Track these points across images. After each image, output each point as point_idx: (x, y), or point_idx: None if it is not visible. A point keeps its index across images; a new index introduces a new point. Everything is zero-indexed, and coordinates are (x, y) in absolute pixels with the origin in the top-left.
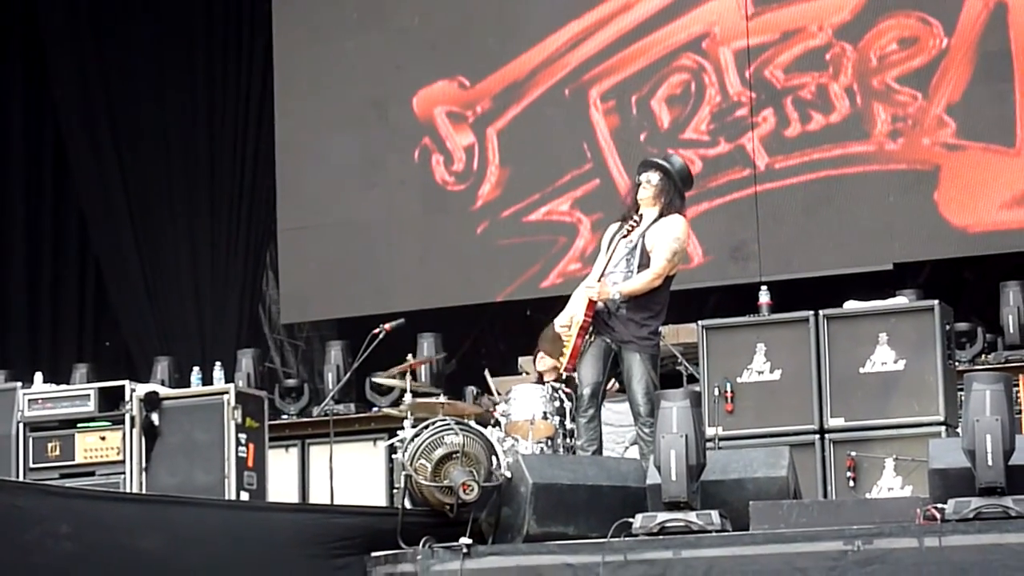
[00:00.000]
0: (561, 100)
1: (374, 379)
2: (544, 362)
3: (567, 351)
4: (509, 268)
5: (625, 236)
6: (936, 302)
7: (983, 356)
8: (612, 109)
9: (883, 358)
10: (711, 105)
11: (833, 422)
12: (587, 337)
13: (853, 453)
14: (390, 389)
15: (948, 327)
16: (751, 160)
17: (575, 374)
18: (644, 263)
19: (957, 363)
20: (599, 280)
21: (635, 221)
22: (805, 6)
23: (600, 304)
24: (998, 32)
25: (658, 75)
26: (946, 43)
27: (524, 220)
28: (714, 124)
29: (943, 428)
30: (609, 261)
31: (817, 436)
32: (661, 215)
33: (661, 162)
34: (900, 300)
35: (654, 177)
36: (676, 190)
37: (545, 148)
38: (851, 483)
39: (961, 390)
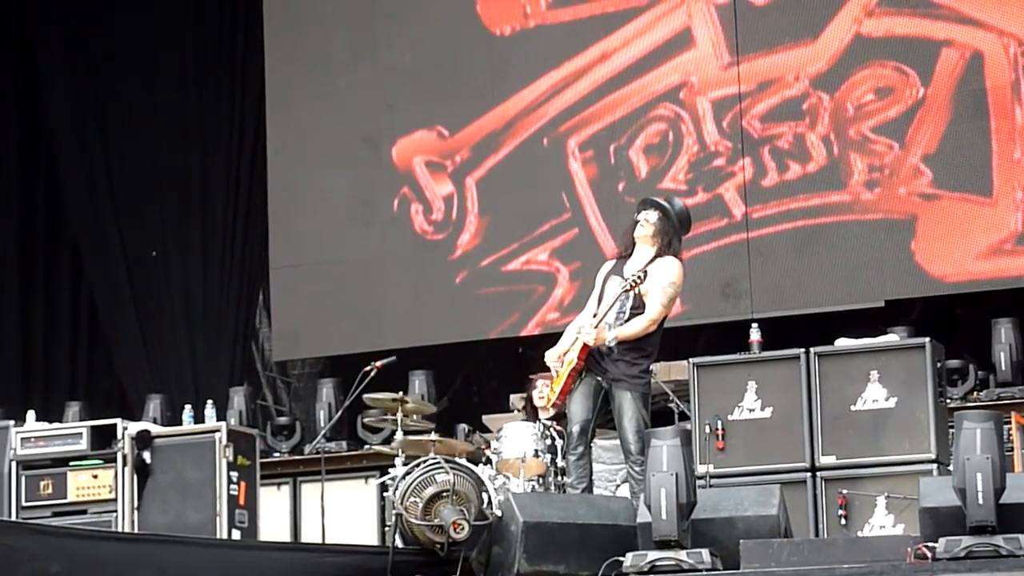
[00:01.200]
0: (539, 150)
1: (366, 419)
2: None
3: (556, 389)
4: (487, 317)
5: (620, 275)
6: (927, 340)
7: (975, 393)
8: (590, 159)
9: (874, 396)
10: (689, 154)
11: (824, 460)
12: (578, 379)
13: (844, 491)
14: (381, 428)
15: (939, 364)
16: (728, 210)
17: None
18: (637, 304)
19: (949, 400)
20: (596, 325)
21: (640, 276)
22: (782, 56)
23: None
24: (974, 81)
25: (636, 125)
26: (922, 93)
27: (503, 269)
28: (692, 173)
29: (935, 466)
30: (601, 300)
31: (808, 474)
32: (657, 255)
33: (661, 202)
34: (891, 338)
35: (652, 216)
36: (674, 231)
37: (524, 198)
38: (843, 521)
39: (953, 427)
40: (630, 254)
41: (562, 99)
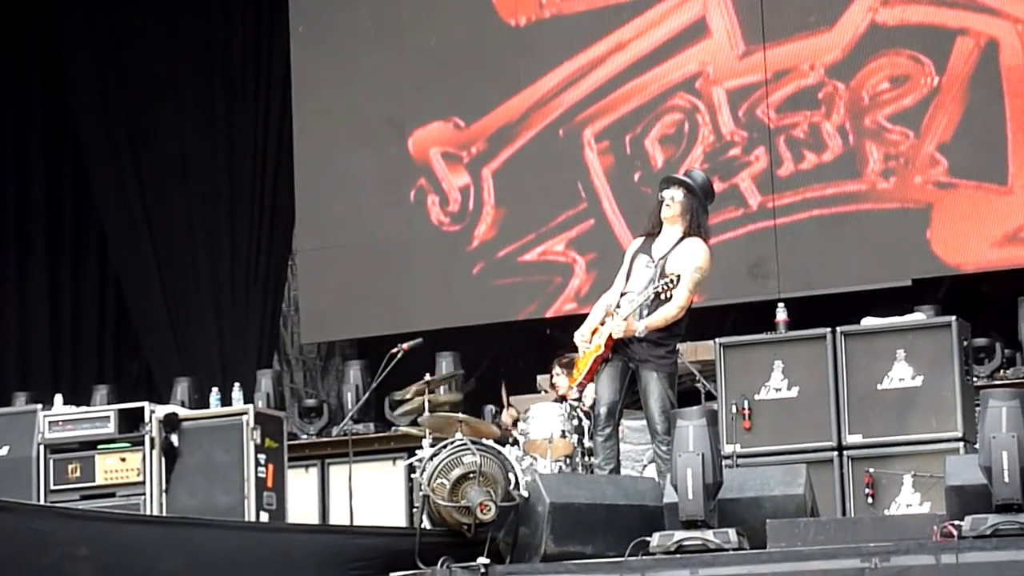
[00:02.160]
0: (555, 140)
1: (392, 397)
2: (560, 380)
3: (582, 371)
4: (504, 308)
5: (648, 254)
6: (953, 318)
7: (1001, 371)
8: (606, 149)
9: (901, 374)
10: (704, 144)
11: (851, 439)
12: (602, 365)
13: (871, 470)
14: (409, 409)
15: (966, 343)
16: (744, 199)
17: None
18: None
19: (975, 379)
20: (625, 317)
21: (670, 282)
22: (797, 45)
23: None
24: (989, 70)
25: (652, 115)
26: (937, 81)
27: (520, 260)
28: (708, 163)
29: (961, 444)
30: (629, 278)
31: (835, 453)
32: (685, 235)
33: (684, 179)
34: (917, 316)
35: (678, 194)
36: (700, 205)
37: (540, 188)
38: (869, 500)
39: (979, 406)
40: (658, 232)
41: (577, 90)
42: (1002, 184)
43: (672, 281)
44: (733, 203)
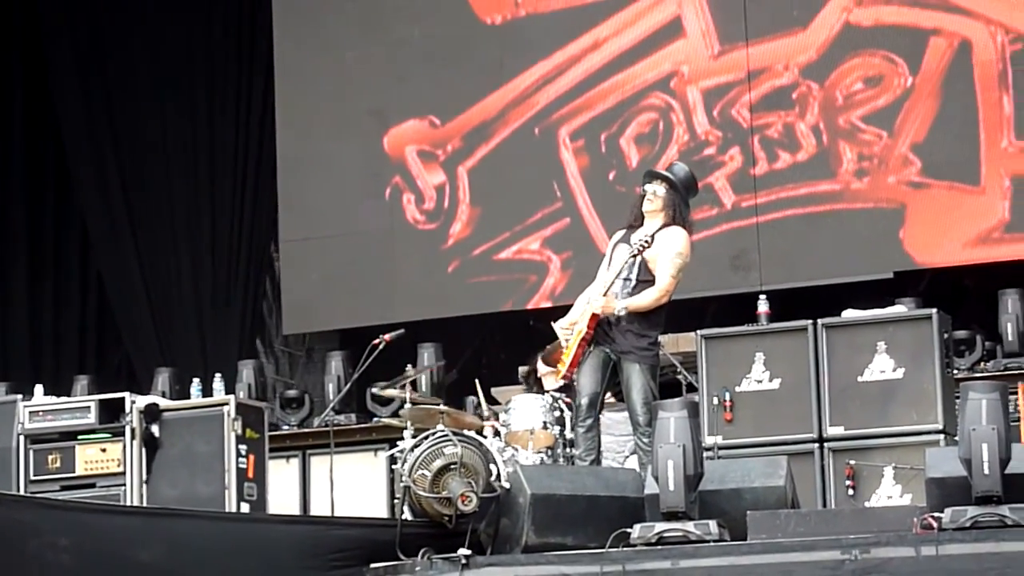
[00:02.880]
0: (531, 139)
1: (374, 391)
2: (548, 380)
3: (566, 359)
4: (479, 306)
5: (629, 244)
6: (934, 311)
7: (982, 364)
8: (581, 148)
9: (882, 366)
10: (679, 144)
11: (832, 431)
12: (588, 348)
13: (852, 462)
14: (390, 400)
15: (946, 335)
16: (719, 199)
17: (573, 382)
18: (643, 275)
19: (956, 371)
20: (604, 293)
21: (646, 242)
22: (771, 45)
23: (603, 316)
24: (962, 70)
25: (627, 114)
26: (911, 82)
27: (494, 258)
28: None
29: (942, 436)
30: (610, 270)
31: (816, 445)
32: (666, 224)
33: (665, 174)
34: (898, 309)
35: (660, 189)
36: (682, 199)
37: (515, 187)
38: (850, 491)
39: (959, 398)
40: (640, 224)
41: (553, 88)
42: (975, 184)
43: (646, 242)
44: (708, 202)
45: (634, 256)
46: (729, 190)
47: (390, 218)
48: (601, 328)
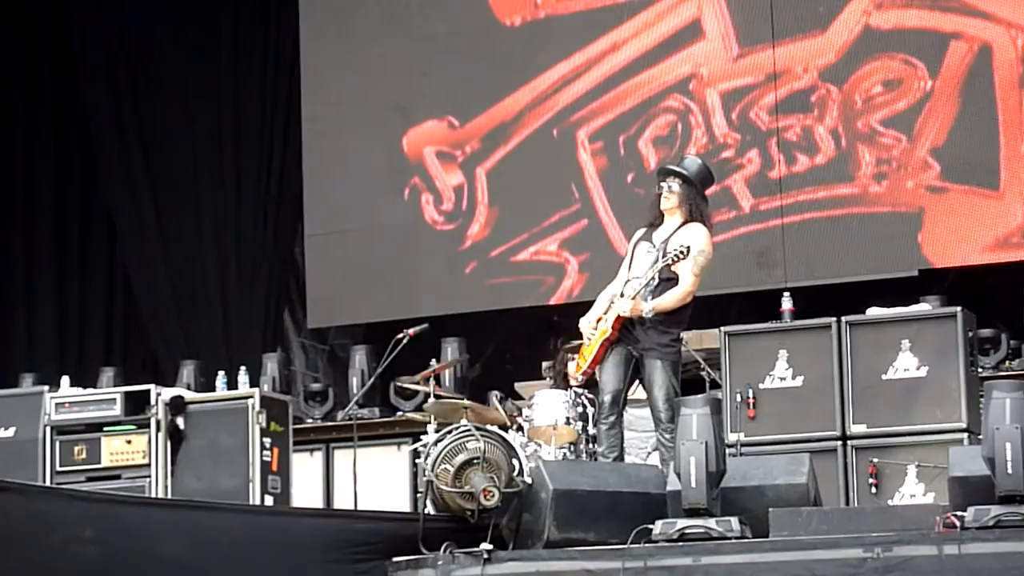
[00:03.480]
0: (549, 141)
1: (398, 383)
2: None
3: (588, 357)
4: (497, 306)
5: (650, 241)
6: (959, 309)
7: (1007, 363)
8: (599, 150)
9: (905, 365)
10: (697, 146)
11: (855, 428)
12: (610, 348)
13: (875, 460)
14: (414, 393)
15: (971, 334)
16: (736, 202)
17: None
18: (666, 274)
19: (981, 369)
20: (633, 297)
21: (681, 252)
22: (791, 48)
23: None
24: (982, 74)
25: (645, 116)
26: (930, 85)
27: (512, 260)
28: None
29: (966, 435)
30: (631, 267)
31: (839, 443)
32: (686, 222)
33: (678, 169)
34: (923, 307)
35: (675, 185)
36: (698, 193)
37: (533, 188)
38: (873, 489)
39: (983, 397)
40: (659, 223)
41: (572, 90)
42: (994, 189)
43: (682, 252)
44: (725, 205)
45: (667, 265)
46: (747, 193)
47: (410, 216)
48: (624, 326)
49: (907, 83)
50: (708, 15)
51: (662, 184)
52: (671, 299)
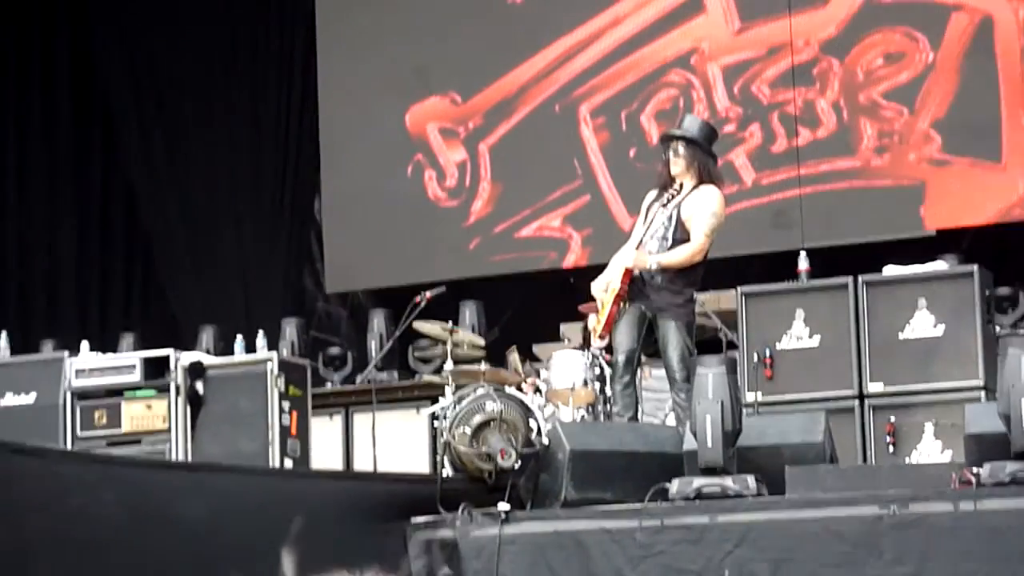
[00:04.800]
0: (551, 116)
1: (417, 344)
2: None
3: (602, 319)
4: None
5: (664, 205)
6: (975, 267)
7: None
8: (602, 125)
9: (922, 323)
10: None
11: (872, 387)
12: (622, 305)
13: (893, 418)
14: (432, 358)
15: (988, 292)
16: (739, 176)
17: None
18: (680, 235)
19: (998, 328)
20: (636, 248)
21: (675, 190)
22: (792, 21)
23: (636, 273)
24: (984, 46)
25: (647, 91)
26: (932, 58)
27: (516, 236)
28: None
29: (983, 393)
30: (647, 230)
31: (857, 401)
32: (697, 184)
33: (679, 133)
34: (939, 265)
35: (680, 148)
36: (704, 151)
37: (536, 164)
38: (891, 448)
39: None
40: (671, 185)
41: (574, 65)
42: (996, 161)
43: (675, 192)
44: (728, 179)
45: (664, 204)
46: (749, 167)
47: (416, 192)
48: (636, 286)
49: (908, 56)
50: None
51: (667, 153)
52: (679, 256)
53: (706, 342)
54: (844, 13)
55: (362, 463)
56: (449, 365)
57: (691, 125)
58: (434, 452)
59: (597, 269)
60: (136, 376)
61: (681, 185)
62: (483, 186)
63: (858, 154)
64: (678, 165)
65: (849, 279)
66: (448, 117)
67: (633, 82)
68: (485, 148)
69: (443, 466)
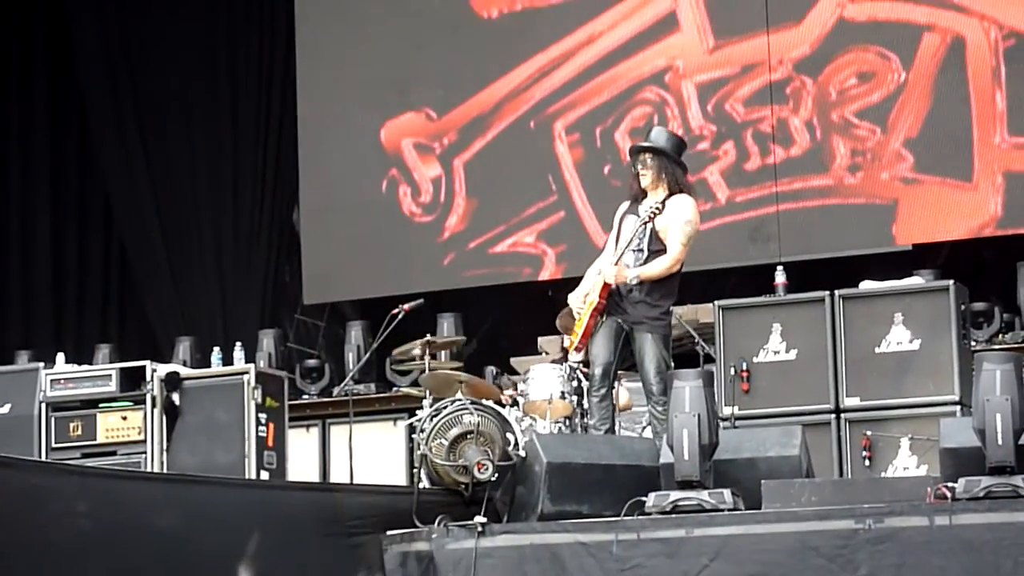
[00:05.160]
0: (526, 133)
1: (394, 356)
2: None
3: (579, 331)
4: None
5: (637, 217)
6: (951, 282)
7: (1000, 336)
8: (576, 142)
9: (898, 338)
10: None
11: (849, 401)
12: (600, 318)
13: (869, 432)
14: (410, 370)
15: (964, 307)
16: (712, 193)
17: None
18: (655, 246)
19: (974, 343)
20: (615, 263)
21: (656, 205)
22: (765, 40)
23: (614, 286)
24: (956, 66)
25: (622, 108)
26: (904, 77)
27: (490, 251)
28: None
29: (958, 407)
30: (618, 241)
31: (833, 415)
32: (670, 193)
33: (647, 144)
34: (915, 280)
35: (648, 159)
36: (672, 161)
37: (511, 180)
38: (867, 462)
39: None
40: (643, 198)
41: (549, 82)
42: (967, 180)
43: (657, 210)
44: (702, 197)
45: (644, 223)
46: (723, 184)
47: (391, 208)
48: (613, 299)
49: (881, 75)
50: (683, 7)
51: (636, 165)
52: (658, 268)
53: (683, 355)
54: (817, 32)
55: (339, 475)
56: (427, 377)
57: (658, 136)
58: (412, 465)
59: (575, 282)
60: (112, 387)
61: (645, 195)
62: (458, 202)
63: (831, 172)
64: (647, 176)
65: (826, 294)
66: (423, 133)
67: (608, 99)
68: (460, 164)
69: (420, 479)
